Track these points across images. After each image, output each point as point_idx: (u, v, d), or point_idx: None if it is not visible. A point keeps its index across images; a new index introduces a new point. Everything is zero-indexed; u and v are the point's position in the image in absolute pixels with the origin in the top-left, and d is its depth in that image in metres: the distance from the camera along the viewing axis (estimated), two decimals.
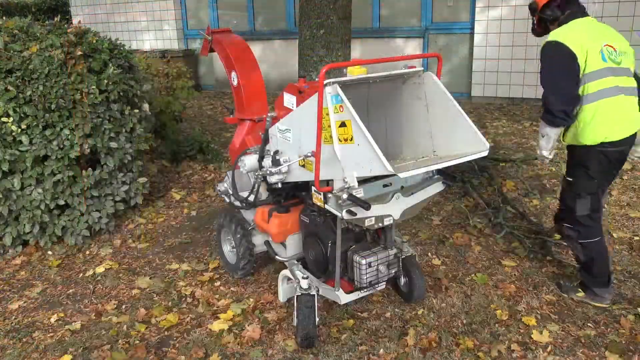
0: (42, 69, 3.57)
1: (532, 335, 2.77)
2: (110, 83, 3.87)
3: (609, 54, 2.74)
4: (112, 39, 4.35)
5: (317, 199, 2.51)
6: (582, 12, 2.90)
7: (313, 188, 2.52)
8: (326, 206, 2.46)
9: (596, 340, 2.72)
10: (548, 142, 2.85)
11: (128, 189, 4.13)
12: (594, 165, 2.80)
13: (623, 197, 4.38)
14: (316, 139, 2.32)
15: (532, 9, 3.03)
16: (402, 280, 2.98)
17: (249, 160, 2.96)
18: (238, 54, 3.44)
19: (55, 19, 4.27)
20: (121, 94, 3.98)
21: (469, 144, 2.37)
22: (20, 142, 3.53)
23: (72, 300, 3.31)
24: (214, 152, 5.93)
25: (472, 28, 7.94)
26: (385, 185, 2.50)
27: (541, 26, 3.01)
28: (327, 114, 2.26)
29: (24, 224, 3.67)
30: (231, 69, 3.42)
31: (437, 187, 2.65)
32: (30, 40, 3.76)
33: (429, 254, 3.65)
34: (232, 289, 3.33)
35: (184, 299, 3.26)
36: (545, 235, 3.73)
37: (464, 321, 2.92)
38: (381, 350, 2.71)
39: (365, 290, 2.79)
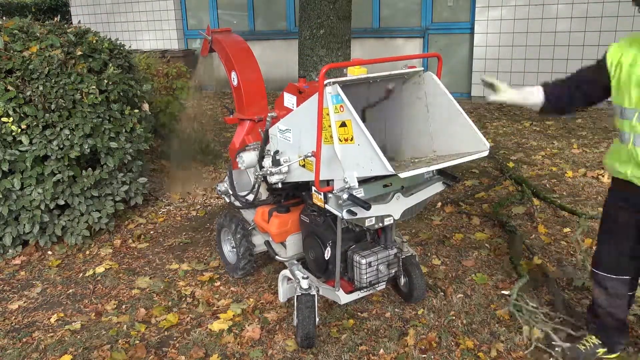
0: (42, 69, 3.57)
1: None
2: (110, 83, 3.87)
3: None
4: (112, 39, 4.35)
5: (317, 199, 2.51)
6: None
7: (313, 188, 2.52)
8: (326, 206, 2.46)
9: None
10: None
11: (128, 189, 4.13)
12: None
13: None
14: (316, 139, 2.32)
15: None
16: (402, 280, 2.98)
17: (248, 156, 2.96)
18: (238, 53, 3.44)
19: (55, 19, 4.28)
20: (121, 94, 3.98)
21: (469, 143, 2.37)
22: (20, 142, 3.52)
23: (72, 300, 3.31)
24: (214, 152, 5.93)
25: (472, 28, 7.94)
26: (385, 186, 2.50)
27: None
28: (327, 114, 2.25)
29: (24, 224, 3.67)
30: (231, 69, 3.42)
31: (437, 187, 2.65)
32: (30, 40, 3.76)
33: (429, 254, 3.65)
34: (232, 289, 3.33)
35: (184, 299, 3.26)
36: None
37: (464, 321, 2.92)
38: (381, 350, 2.71)
39: (365, 290, 2.78)
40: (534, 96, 2.42)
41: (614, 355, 2.55)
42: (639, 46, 2.17)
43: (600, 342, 2.54)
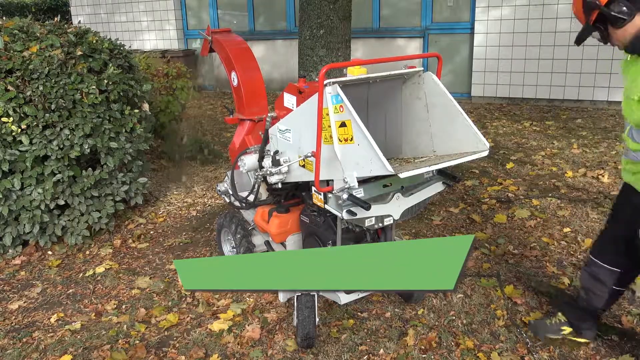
0: (42, 69, 3.57)
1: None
2: (110, 83, 3.87)
3: None
4: (112, 39, 4.35)
5: (317, 199, 2.51)
6: None
7: (313, 188, 2.52)
8: (326, 206, 2.46)
9: (596, 340, 2.71)
10: None
11: (128, 189, 4.13)
12: None
13: None
14: (316, 139, 2.32)
15: (591, 4, 2.21)
16: None
17: (249, 160, 2.96)
18: (238, 54, 3.44)
19: (55, 19, 4.28)
20: (121, 94, 3.98)
21: (469, 143, 2.38)
22: (20, 142, 3.52)
23: (72, 300, 3.31)
24: (214, 152, 5.93)
25: (473, 28, 7.94)
26: (385, 186, 2.50)
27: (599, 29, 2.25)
28: (327, 114, 2.25)
29: (24, 224, 3.66)
30: (231, 69, 3.42)
31: (437, 187, 2.65)
32: (30, 40, 3.76)
33: None
34: None
35: (184, 299, 3.26)
36: None
37: (464, 321, 2.92)
38: (381, 350, 2.71)
39: (366, 290, 2.79)
40: None
41: (582, 340, 2.65)
42: (628, 57, 2.30)
43: (566, 320, 2.67)
